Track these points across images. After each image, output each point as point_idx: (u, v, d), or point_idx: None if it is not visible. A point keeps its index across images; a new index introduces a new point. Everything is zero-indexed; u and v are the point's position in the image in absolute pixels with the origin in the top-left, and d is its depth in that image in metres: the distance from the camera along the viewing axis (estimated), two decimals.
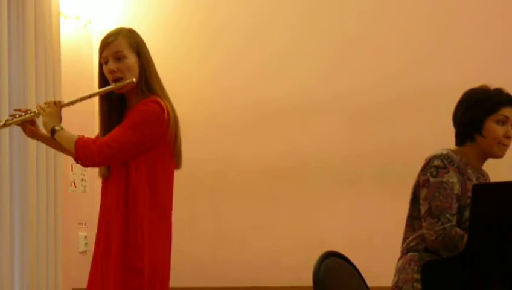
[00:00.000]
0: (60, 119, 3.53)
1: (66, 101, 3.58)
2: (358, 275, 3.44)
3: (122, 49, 3.46)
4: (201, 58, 5.56)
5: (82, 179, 5.52)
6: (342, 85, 5.11)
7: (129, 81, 3.46)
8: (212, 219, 5.46)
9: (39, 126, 3.64)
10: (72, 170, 5.45)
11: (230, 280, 5.27)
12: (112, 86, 3.48)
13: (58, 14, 5.40)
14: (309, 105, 5.20)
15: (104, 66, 3.50)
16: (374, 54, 5.05)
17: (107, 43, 3.48)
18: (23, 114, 3.58)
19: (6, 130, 4.85)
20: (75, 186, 5.52)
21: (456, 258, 3.10)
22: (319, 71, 5.19)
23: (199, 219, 5.43)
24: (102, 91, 3.52)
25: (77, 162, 3.48)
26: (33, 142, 4.93)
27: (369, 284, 3.49)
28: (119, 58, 3.46)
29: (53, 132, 3.47)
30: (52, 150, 4.98)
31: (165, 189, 3.52)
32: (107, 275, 3.41)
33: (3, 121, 3.60)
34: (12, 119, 3.59)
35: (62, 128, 3.49)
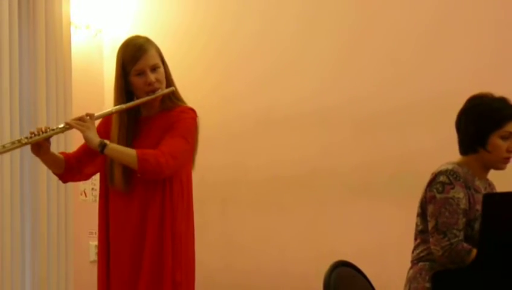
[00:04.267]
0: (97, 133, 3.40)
1: (98, 114, 3.45)
2: (369, 285, 3.44)
3: (157, 60, 3.46)
4: (210, 65, 5.56)
5: (93, 189, 5.52)
6: (352, 92, 5.10)
7: (169, 90, 3.47)
8: (220, 227, 5.46)
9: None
10: None
11: (240, 289, 5.27)
12: (151, 96, 3.44)
13: (69, 23, 5.42)
14: (318, 112, 5.19)
15: (135, 78, 3.43)
16: (384, 60, 5.04)
17: (141, 54, 3.42)
18: (47, 131, 3.39)
19: (16, 139, 4.86)
20: (86, 196, 5.52)
21: (467, 268, 3.10)
22: (329, 78, 5.18)
23: (208, 226, 5.42)
24: (140, 102, 3.45)
25: (141, 175, 3.36)
26: None
27: None
28: (155, 69, 3.44)
29: (103, 146, 3.32)
30: None
31: (192, 197, 3.56)
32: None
33: (24, 140, 3.39)
34: (34, 136, 3.38)
35: (109, 142, 3.37)
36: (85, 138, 3.36)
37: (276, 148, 5.30)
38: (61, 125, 3.42)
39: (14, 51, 4.95)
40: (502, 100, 3.40)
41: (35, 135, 3.39)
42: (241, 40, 5.48)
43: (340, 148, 5.12)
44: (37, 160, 4.91)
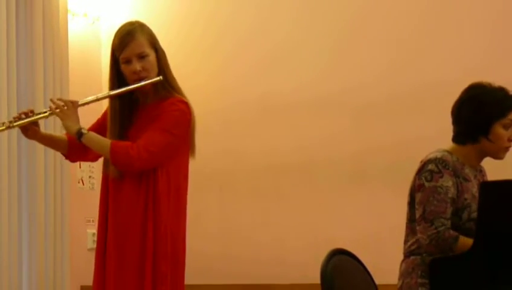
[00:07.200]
0: (78, 120, 3.42)
1: (82, 101, 3.46)
2: (366, 273, 3.44)
3: (145, 49, 3.41)
4: (207, 54, 5.56)
5: (90, 177, 5.52)
6: (349, 81, 5.10)
7: (156, 79, 3.42)
8: (219, 215, 5.46)
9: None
10: (80, 167, 5.45)
11: (237, 277, 5.27)
12: (137, 85, 3.41)
13: (66, 11, 5.40)
14: (316, 100, 5.19)
15: (123, 66, 3.43)
16: (382, 49, 5.04)
17: (127, 42, 3.39)
18: (30, 115, 3.44)
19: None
20: (83, 184, 5.51)
21: (465, 256, 3.10)
22: (325, 66, 5.19)
23: (206, 215, 5.42)
24: (125, 90, 3.44)
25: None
26: None
27: (377, 281, 3.48)
28: (142, 57, 3.40)
29: (80, 135, 3.36)
30: None
31: (186, 188, 3.52)
32: (127, 280, 3.39)
33: (7, 123, 3.45)
34: (18, 120, 3.43)
35: (88, 131, 3.40)
36: (64, 125, 3.41)
37: (274, 136, 5.31)
38: (44, 111, 3.48)
39: (11, 39, 4.93)
40: (503, 90, 3.40)
41: (19, 119, 3.43)
42: (238, 28, 5.48)
43: (338, 136, 5.13)
44: (35, 148, 4.95)
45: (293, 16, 5.31)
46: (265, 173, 5.33)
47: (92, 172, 5.50)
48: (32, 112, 3.47)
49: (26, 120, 3.44)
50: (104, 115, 3.61)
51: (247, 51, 5.43)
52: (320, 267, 3.08)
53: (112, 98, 3.49)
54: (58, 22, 5.26)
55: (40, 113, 3.48)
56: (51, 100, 3.51)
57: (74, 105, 3.42)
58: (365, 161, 5.05)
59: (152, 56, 3.44)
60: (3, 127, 3.47)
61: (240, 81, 5.43)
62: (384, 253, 4.63)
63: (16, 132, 4.86)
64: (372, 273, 3.46)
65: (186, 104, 3.45)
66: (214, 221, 5.46)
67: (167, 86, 3.47)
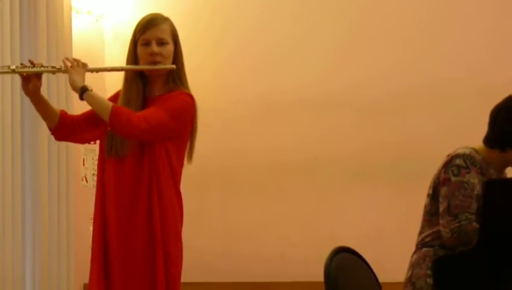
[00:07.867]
0: (84, 80, 3.42)
1: (92, 67, 3.51)
2: (370, 271, 3.44)
3: (166, 36, 3.48)
4: (210, 52, 5.56)
5: (93, 174, 5.51)
6: (351, 78, 5.12)
7: (170, 66, 3.47)
8: (221, 213, 5.47)
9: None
10: (83, 164, 5.45)
11: (239, 275, 5.27)
12: (150, 67, 3.45)
13: (70, 8, 5.41)
14: (318, 98, 5.20)
15: (140, 47, 3.47)
16: (384, 47, 5.05)
17: (151, 25, 3.46)
18: (38, 65, 3.42)
19: (18, 125, 4.86)
20: (87, 181, 5.51)
21: (468, 254, 3.10)
22: (329, 64, 5.20)
23: (208, 213, 5.43)
24: (137, 68, 3.49)
25: (111, 129, 3.38)
26: (45, 137, 4.94)
27: (381, 279, 3.48)
28: (162, 43, 3.46)
29: (84, 91, 3.36)
30: (63, 145, 5.00)
31: (179, 180, 3.53)
32: (136, 264, 3.40)
33: (13, 67, 3.43)
34: (29, 68, 3.39)
35: (92, 89, 3.40)
36: (70, 79, 3.40)
37: (277, 134, 5.31)
38: (53, 65, 3.50)
39: (15, 36, 4.93)
40: None
41: (27, 67, 3.40)
42: (242, 26, 5.49)
43: (341, 134, 5.13)
44: (38, 146, 4.95)
45: (297, 14, 5.32)
46: (268, 170, 5.33)
47: (95, 170, 5.49)
48: (40, 64, 3.47)
49: (32, 69, 3.41)
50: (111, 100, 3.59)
51: (250, 49, 5.44)
52: (324, 265, 3.08)
53: (133, 75, 3.51)
54: (62, 19, 5.27)
55: (48, 66, 3.50)
56: (64, 58, 3.51)
57: (84, 66, 3.45)
58: (368, 159, 5.06)
59: (171, 46, 3.49)
60: (8, 70, 3.46)
61: (243, 79, 5.44)
62: (387, 251, 4.64)
63: (19, 129, 4.87)
64: (375, 271, 3.47)
65: (193, 99, 3.49)
66: (216, 219, 5.46)
67: (177, 80, 3.51)
